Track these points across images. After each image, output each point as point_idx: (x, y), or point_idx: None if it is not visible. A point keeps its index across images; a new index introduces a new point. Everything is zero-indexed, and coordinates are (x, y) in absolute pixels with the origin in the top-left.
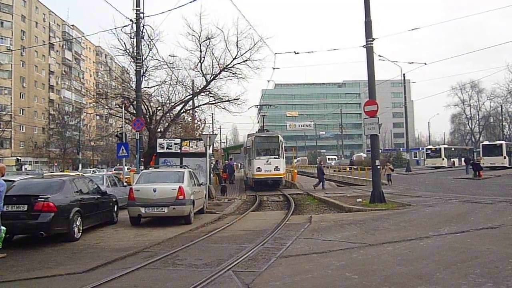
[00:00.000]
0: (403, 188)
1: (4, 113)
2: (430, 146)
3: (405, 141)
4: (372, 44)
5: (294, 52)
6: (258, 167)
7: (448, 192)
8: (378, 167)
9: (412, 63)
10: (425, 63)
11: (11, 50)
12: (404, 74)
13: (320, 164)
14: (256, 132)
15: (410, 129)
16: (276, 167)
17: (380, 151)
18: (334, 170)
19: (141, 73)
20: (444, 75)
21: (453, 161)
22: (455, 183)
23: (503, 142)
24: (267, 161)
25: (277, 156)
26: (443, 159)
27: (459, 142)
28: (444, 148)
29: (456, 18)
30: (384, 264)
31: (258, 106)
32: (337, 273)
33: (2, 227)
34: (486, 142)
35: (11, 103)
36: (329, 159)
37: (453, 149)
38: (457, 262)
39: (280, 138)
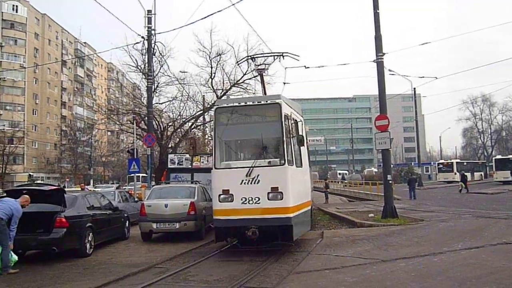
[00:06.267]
0: (415, 203)
1: (17, 129)
2: (442, 161)
3: (417, 156)
4: (382, 58)
5: (305, 66)
6: (224, 191)
7: (461, 207)
8: (390, 182)
9: (423, 77)
10: (436, 77)
11: (25, 68)
12: (414, 88)
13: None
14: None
15: (422, 143)
16: (274, 190)
17: (392, 165)
18: (345, 185)
19: (152, 89)
20: (455, 89)
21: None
22: (467, 197)
23: None
24: (247, 174)
25: (278, 160)
26: (455, 174)
27: (471, 156)
28: (456, 162)
29: (465, 33)
30: (398, 280)
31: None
32: None
33: (14, 256)
34: (499, 156)
35: (24, 120)
36: (339, 174)
37: (465, 163)
38: (472, 278)
39: (285, 109)
